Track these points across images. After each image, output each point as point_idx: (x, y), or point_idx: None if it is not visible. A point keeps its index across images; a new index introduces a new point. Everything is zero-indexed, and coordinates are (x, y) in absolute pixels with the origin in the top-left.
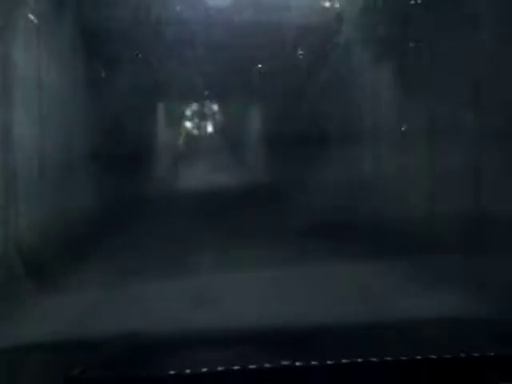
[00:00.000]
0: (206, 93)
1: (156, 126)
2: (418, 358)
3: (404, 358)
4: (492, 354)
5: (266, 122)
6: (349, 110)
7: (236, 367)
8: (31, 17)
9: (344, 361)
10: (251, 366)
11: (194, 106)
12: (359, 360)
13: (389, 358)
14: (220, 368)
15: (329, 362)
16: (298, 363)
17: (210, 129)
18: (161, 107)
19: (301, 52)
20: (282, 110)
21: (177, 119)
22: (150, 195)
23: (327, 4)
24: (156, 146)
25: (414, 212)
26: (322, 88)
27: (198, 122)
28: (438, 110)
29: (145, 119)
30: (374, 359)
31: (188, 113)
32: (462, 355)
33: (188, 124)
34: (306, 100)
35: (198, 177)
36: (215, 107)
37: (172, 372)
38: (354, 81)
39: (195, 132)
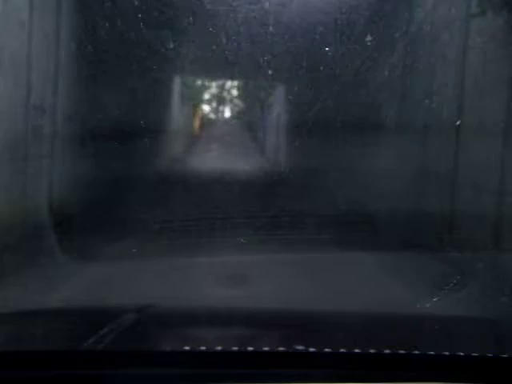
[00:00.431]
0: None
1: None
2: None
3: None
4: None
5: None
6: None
7: (235, 348)
8: None
9: (357, 350)
10: (249, 349)
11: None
12: (362, 351)
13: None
14: (219, 348)
15: (342, 350)
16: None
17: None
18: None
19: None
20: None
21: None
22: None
23: None
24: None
25: None
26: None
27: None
28: None
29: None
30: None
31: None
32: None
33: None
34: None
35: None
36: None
37: (175, 349)
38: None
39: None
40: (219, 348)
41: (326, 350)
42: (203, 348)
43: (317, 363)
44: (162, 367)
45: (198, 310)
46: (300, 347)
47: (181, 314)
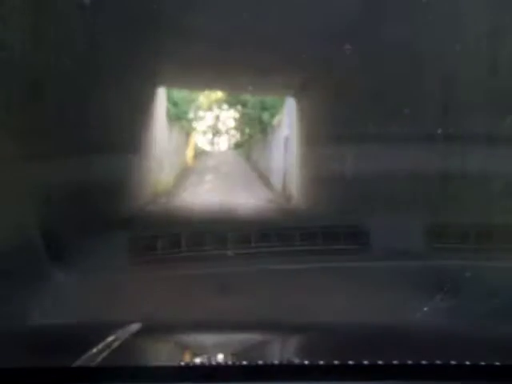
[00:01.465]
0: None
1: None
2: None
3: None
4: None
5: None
6: None
7: (233, 362)
8: None
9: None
10: (245, 363)
11: None
12: (362, 362)
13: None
14: (216, 361)
15: (336, 362)
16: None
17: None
18: None
19: None
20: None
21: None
22: None
23: None
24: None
25: None
26: None
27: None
28: None
29: None
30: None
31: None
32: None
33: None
34: None
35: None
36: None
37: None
38: None
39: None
40: (217, 362)
41: (335, 362)
42: (200, 362)
43: (322, 376)
44: (159, 382)
45: (193, 324)
46: (299, 360)
47: (176, 329)
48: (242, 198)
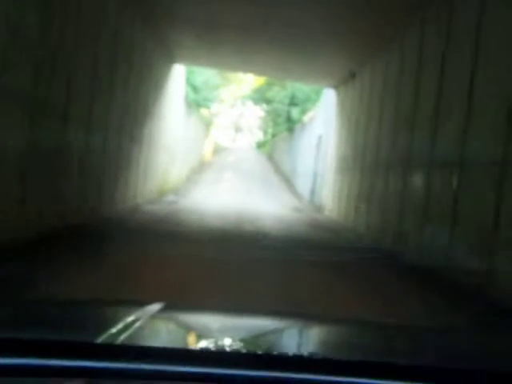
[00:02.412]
0: None
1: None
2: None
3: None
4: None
5: None
6: None
7: (246, 350)
8: None
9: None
10: (260, 352)
11: None
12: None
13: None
14: (229, 348)
15: (345, 359)
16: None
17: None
18: None
19: None
20: None
21: None
22: None
23: None
24: None
25: None
26: None
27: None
28: None
29: None
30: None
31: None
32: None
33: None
34: None
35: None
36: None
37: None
38: None
39: None
40: (230, 348)
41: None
42: (214, 348)
43: (331, 370)
44: (175, 365)
45: (208, 312)
46: (308, 353)
47: (194, 315)
48: (264, 203)
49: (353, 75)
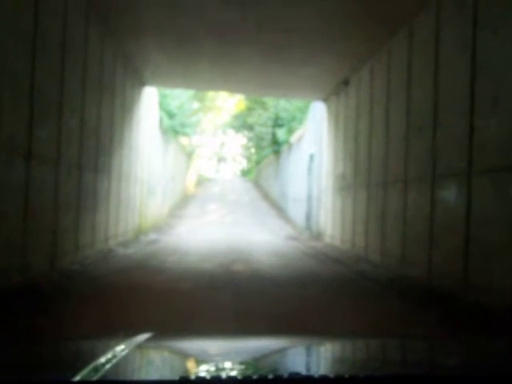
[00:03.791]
0: None
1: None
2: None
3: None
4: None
5: None
6: None
7: (237, 376)
8: None
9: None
10: (254, 377)
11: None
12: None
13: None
14: (220, 376)
15: (346, 375)
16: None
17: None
18: None
19: None
20: None
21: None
22: None
23: None
24: None
25: None
26: None
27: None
28: None
29: None
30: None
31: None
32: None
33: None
34: None
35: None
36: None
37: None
38: None
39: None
40: (221, 376)
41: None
42: (202, 376)
43: None
44: None
45: (194, 338)
46: (302, 373)
47: (178, 343)
48: (255, 234)
49: (346, 83)
